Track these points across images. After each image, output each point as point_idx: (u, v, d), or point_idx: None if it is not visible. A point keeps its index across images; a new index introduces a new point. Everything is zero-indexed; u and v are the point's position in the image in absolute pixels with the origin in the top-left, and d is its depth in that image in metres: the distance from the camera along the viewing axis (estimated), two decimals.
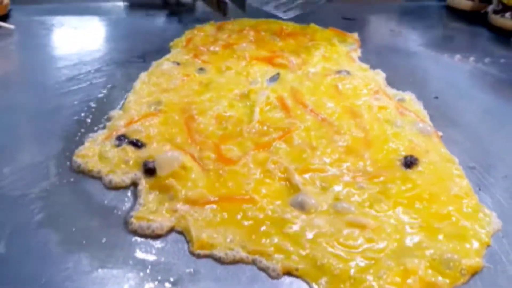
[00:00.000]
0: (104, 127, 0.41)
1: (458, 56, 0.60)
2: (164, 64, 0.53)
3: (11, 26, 0.66)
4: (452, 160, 0.38)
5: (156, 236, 0.30)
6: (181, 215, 0.31)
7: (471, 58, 0.59)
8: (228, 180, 0.34)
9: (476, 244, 0.30)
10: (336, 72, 0.51)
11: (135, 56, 0.57)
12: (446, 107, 0.47)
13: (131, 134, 0.39)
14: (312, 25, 0.65)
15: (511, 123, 0.46)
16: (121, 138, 0.39)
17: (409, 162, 0.36)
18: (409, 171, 0.36)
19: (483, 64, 0.58)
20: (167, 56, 0.55)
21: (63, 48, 0.61)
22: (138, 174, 0.36)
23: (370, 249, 0.29)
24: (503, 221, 0.32)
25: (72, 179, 0.35)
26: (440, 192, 0.34)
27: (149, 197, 0.33)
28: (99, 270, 0.27)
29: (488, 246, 0.30)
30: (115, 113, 0.43)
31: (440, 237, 0.30)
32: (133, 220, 0.31)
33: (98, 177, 0.35)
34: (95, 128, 0.41)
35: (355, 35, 0.62)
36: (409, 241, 0.30)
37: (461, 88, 0.53)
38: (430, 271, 0.28)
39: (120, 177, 0.35)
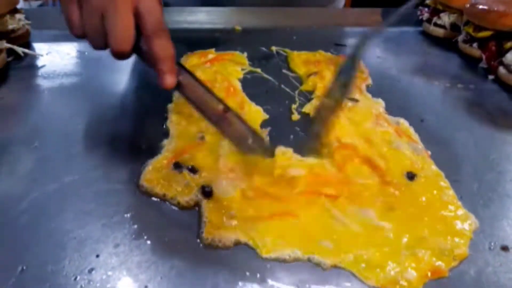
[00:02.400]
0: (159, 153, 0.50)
1: (436, 82, 0.72)
2: None
3: (39, 53, 0.72)
4: (440, 175, 0.49)
5: (225, 248, 0.39)
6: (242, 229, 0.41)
7: (447, 84, 0.72)
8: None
9: (462, 238, 0.42)
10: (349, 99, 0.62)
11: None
12: (430, 129, 0.59)
13: (185, 161, 0.48)
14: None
15: (479, 140, 0.58)
16: (178, 165, 0.47)
17: (411, 176, 0.48)
18: (411, 182, 0.47)
19: (457, 89, 0.70)
20: None
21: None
22: (199, 196, 0.44)
23: (393, 243, 0.41)
24: (479, 221, 0.44)
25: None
26: (435, 200, 0.45)
27: (211, 215, 0.42)
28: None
29: (471, 239, 0.42)
30: (165, 142, 0.52)
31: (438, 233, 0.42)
32: (204, 235, 0.40)
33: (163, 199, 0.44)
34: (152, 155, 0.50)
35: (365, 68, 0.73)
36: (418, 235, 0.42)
37: (441, 111, 0.65)
38: (434, 259, 0.39)
39: (184, 198, 0.44)
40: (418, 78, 0.73)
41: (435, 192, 0.46)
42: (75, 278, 0.36)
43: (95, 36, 0.41)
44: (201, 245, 0.40)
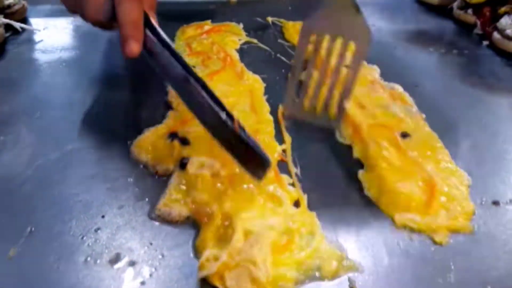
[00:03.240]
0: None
1: (431, 49, 0.73)
2: None
3: (36, 28, 0.72)
4: (434, 136, 0.50)
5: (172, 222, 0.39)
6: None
7: (442, 50, 0.72)
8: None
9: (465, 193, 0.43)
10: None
11: None
12: (425, 94, 0.60)
13: (182, 133, 0.48)
14: None
15: (476, 103, 0.59)
16: (173, 135, 0.47)
17: (404, 135, 0.49)
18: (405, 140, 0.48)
19: (452, 55, 0.71)
20: None
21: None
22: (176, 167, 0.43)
23: None
24: (472, 179, 0.45)
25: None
26: (428, 158, 0.46)
27: (176, 188, 0.41)
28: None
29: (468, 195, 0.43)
30: (170, 113, 0.52)
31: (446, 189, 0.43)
32: (160, 205, 0.40)
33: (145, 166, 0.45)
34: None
35: None
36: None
37: (436, 76, 0.66)
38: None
39: (162, 167, 0.44)
40: (413, 45, 0.74)
41: (428, 152, 0.48)
42: (82, 237, 0.37)
43: (76, 9, 0.44)
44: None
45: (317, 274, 0.35)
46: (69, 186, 0.43)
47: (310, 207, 0.41)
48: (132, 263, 0.35)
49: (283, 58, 0.67)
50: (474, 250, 0.38)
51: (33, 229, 0.38)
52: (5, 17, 0.68)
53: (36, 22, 0.74)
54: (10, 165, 0.45)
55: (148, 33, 0.41)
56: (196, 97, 0.40)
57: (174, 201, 0.41)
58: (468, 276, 0.36)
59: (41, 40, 0.70)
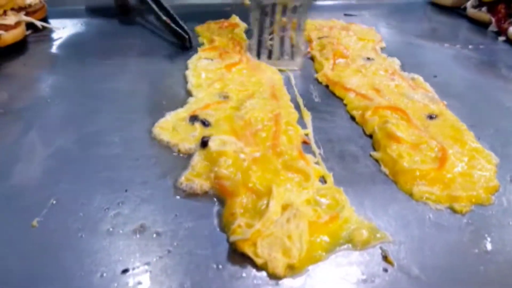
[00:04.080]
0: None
1: (446, 45, 0.73)
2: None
3: (56, 26, 0.74)
4: (457, 120, 0.50)
5: (194, 194, 0.39)
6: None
7: (458, 46, 0.72)
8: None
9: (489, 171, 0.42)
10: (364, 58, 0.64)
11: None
12: (444, 84, 0.59)
13: (203, 116, 0.48)
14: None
15: (492, 93, 0.58)
16: (193, 118, 0.48)
17: (431, 117, 0.49)
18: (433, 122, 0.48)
19: (468, 50, 0.71)
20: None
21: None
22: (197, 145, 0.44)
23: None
24: (500, 158, 0.44)
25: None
26: (456, 138, 0.46)
27: (198, 164, 0.42)
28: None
29: (496, 172, 0.42)
30: (191, 99, 0.53)
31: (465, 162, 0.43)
32: (182, 180, 0.40)
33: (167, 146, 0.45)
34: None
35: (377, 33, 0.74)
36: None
37: (453, 68, 0.65)
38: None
39: (184, 146, 0.44)
40: (429, 42, 0.74)
41: (452, 133, 0.47)
42: (106, 209, 0.37)
43: None
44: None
45: (348, 245, 0.34)
46: (91, 163, 0.42)
47: (336, 184, 0.41)
48: (157, 233, 0.35)
49: None
50: (507, 221, 0.37)
51: (55, 201, 0.37)
52: (26, 15, 0.69)
53: (54, 23, 0.76)
54: (32, 144, 0.45)
55: None
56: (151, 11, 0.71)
57: (196, 176, 0.40)
58: (505, 245, 0.34)
59: (60, 38, 0.71)
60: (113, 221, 0.36)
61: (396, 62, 0.64)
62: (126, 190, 0.39)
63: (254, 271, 0.32)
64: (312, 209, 0.36)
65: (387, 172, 0.43)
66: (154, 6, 0.72)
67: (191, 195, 0.39)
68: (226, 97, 0.53)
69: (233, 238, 0.33)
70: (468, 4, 0.82)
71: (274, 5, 0.61)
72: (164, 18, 0.70)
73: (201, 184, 0.39)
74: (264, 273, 0.32)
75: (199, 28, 0.74)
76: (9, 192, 0.38)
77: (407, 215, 0.37)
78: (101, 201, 0.38)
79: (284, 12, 0.62)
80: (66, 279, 0.31)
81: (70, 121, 0.49)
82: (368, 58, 0.64)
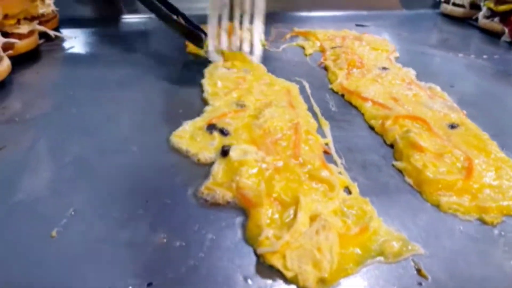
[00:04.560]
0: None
1: (460, 55, 0.72)
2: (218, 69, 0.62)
3: (68, 36, 0.74)
4: (479, 130, 0.49)
5: (215, 204, 0.38)
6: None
7: (472, 56, 0.72)
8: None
9: None
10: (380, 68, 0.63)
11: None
12: (461, 93, 0.59)
13: (221, 125, 0.48)
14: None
15: (510, 102, 0.58)
16: (211, 127, 0.47)
17: (453, 126, 0.48)
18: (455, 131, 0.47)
19: (482, 60, 0.70)
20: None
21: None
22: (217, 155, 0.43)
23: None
24: None
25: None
26: (480, 148, 0.45)
27: (219, 173, 0.41)
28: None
29: None
30: (207, 108, 0.52)
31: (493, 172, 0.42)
32: (203, 189, 0.39)
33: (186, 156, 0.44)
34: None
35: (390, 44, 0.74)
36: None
37: (469, 78, 0.65)
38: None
39: (204, 155, 0.43)
40: (442, 52, 0.74)
41: (475, 142, 0.46)
42: (127, 220, 0.36)
43: None
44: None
45: (379, 258, 0.33)
46: (110, 173, 0.41)
47: (360, 194, 0.40)
48: (181, 245, 0.33)
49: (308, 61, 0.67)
50: None
51: (74, 212, 0.36)
52: (39, 24, 0.69)
53: (66, 32, 0.76)
54: (49, 153, 0.44)
55: None
56: (159, 11, 0.62)
57: (217, 185, 0.39)
58: None
59: (73, 47, 0.71)
60: (135, 232, 0.34)
61: (411, 72, 0.63)
62: (147, 201, 0.38)
63: (283, 284, 0.31)
64: (340, 220, 0.35)
65: (412, 182, 0.42)
66: (160, 5, 0.64)
67: (213, 205, 0.38)
68: (242, 106, 0.52)
69: (261, 250, 0.32)
70: (480, 14, 0.82)
71: None
72: (175, 17, 0.65)
73: (223, 193, 0.38)
74: (294, 287, 0.30)
75: None
76: (27, 201, 0.37)
77: (436, 226, 0.36)
78: (121, 212, 0.36)
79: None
80: None
81: (86, 129, 0.48)
82: (383, 68, 0.63)
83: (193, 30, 0.63)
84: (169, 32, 0.61)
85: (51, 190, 0.39)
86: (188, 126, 0.48)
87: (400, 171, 0.43)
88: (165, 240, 0.34)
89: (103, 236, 0.34)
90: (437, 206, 0.39)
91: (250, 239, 0.34)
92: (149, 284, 0.30)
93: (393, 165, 0.44)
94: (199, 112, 0.51)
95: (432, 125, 0.48)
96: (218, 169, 0.41)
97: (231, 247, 0.33)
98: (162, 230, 0.35)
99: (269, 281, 0.31)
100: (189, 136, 0.46)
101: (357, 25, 0.84)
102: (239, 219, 0.36)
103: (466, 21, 0.86)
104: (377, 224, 0.35)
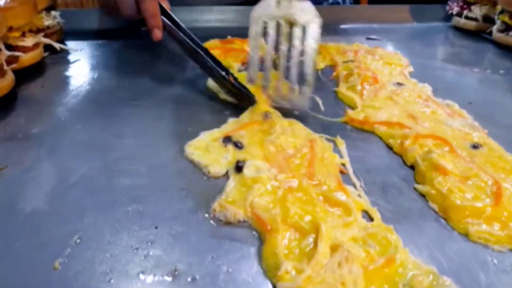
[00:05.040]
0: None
1: (476, 69, 0.70)
2: None
3: (74, 48, 0.72)
4: (503, 150, 0.47)
5: (228, 224, 0.36)
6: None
7: (488, 71, 0.70)
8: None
9: None
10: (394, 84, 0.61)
11: None
12: (480, 110, 0.56)
13: (236, 138, 0.46)
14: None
15: None
16: (227, 139, 0.46)
17: (476, 146, 0.46)
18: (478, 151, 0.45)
19: (499, 75, 0.68)
20: None
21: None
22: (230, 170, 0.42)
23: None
24: None
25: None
26: (505, 169, 0.43)
27: (232, 190, 0.39)
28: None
29: None
30: (230, 120, 0.51)
31: None
32: (216, 206, 0.37)
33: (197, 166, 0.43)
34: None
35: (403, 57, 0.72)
36: None
37: (487, 94, 0.63)
38: None
39: (215, 169, 0.42)
40: (457, 66, 0.72)
41: (502, 164, 0.44)
42: (136, 249, 0.33)
43: (112, 11, 0.63)
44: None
45: None
46: (117, 195, 0.39)
47: (382, 220, 0.37)
48: (193, 279, 0.31)
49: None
50: None
51: (79, 239, 0.34)
52: (44, 37, 0.67)
53: (70, 45, 0.74)
54: (53, 173, 0.42)
55: (165, 20, 0.56)
56: (204, 62, 0.55)
57: (230, 203, 0.37)
58: None
59: (78, 60, 0.69)
60: (144, 263, 0.32)
61: (427, 88, 0.61)
62: (156, 227, 0.35)
63: None
64: (363, 250, 0.33)
65: (436, 208, 0.39)
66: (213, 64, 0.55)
67: (226, 225, 0.36)
68: (266, 116, 0.50)
69: (281, 286, 0.29)
70: (494, 28, 0.80)
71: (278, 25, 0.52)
72: (223, 73, 0.54)
73: (235, 212, 0.36)
74: None
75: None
76: (28, 226, 0.35)
77: (467, 258, 0.34)
78: (129, 240, 0.34)
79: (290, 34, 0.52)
80: None
81: (91, 147, 0.46)
82: (398, 83, 0.61)
83: (244, 92, 0.53)
84: (176, 46, 0.59)
85: (54, 214, 0.36)
86: (205, 137, 0.47)
87: (423, 195, 0.41)
88: (176, 273, 0.31)
89: (110, 268, 0.32)
90: (466, 235, 0.36)
91: (268, 271, 0.32)
92: None
93: (415, 189, 0.42)
94: (208, 129, 0.49)
95: (454, 146, 0.46)
96: (231, 185, 0.39)
97: (248, 281, 0.31)
98: (174, 261, 0.32)
99: None
100: (204, 147, 0.45)
101: (367, 38, 0.82)
102: (255, 246, 0.34)
103: (479, 34, 0.84)
104: (404, 256, 0.32)
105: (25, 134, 0.48)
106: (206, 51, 0.56)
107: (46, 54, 0.68)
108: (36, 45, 0.63)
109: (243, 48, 0.72)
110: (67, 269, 0.31)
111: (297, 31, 0.52)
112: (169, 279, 0.31)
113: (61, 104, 0.55)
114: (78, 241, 0.34)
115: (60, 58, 0.69)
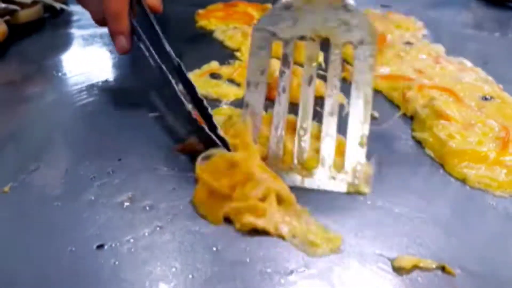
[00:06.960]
0: None
1: (496, 34, 0.65)
2: None
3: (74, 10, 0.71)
4: None
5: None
6: None
7: (510, 35, 0.64)
8: None
9: None
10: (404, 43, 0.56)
11: None
12: (496, 69, 0.51)
13: None
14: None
15: None
16: None
17: (487, 98, 0.41)
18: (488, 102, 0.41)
19: None
20: None
21: None
22: None
23: None
24: None
25: None
26: None
27: None
28: None
29: None
30: None
31: None
32: None
33: None
34: None
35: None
36: None
37: (507, 56, 0.57)
38: None
39: None
40: (474, 31, 0.66)
41: None
42: (92, 178, 0.31)
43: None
44: None
45: None
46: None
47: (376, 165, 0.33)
48: (149, 206, 0.28)
49: None
50: None
51: (34, 167, 0.32)
52: None
53: (75, 7, 0.73)
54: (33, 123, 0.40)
55: (135, 24, 0.39)
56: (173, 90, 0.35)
57: None
58: None
59: (80, 19, 0.68)
60: (99, 191, 0.30)
61: (440, 48, 0.56)
62: (119, 159, 0.33)
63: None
64: None
65: (432, 154, 0.35)
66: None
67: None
68: None
69: None
70: None
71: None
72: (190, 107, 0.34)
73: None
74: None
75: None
76: None
77: (463, 203, 0.30)
78: (89, 169, 0.32)
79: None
80: (32, 254, 0.25)
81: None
82: (408, 43, 0.57)
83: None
84: None
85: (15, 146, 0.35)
86: None
87: (419, 142, 0.37)
88: (130, 200, 0.29)
89: (61, 194, 0.29)
90: (463, 180, 0.32)
91: None
92: (99, 246, 0.25)
93: (413, 137, 0.38)
94: None
95: (462, 96, 0.41)
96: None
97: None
98: (130, 189, 0.30)
99: (240, 253, 0.25)
100: None
101: (382, 5, 0.78)
102: None
103: (503, 3, 0.78)
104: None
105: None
106: (179, 70, 0.37)
107: (46, 15, 0.67)
108: (34, 3, 0.62)
109: (246, 11, 0.69)
110: (17, 193, 0.29)
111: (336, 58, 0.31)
112: (122, 205, 0.28)
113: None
114: (35, 169, 0.32)
115: (62, 19, 0.68)
